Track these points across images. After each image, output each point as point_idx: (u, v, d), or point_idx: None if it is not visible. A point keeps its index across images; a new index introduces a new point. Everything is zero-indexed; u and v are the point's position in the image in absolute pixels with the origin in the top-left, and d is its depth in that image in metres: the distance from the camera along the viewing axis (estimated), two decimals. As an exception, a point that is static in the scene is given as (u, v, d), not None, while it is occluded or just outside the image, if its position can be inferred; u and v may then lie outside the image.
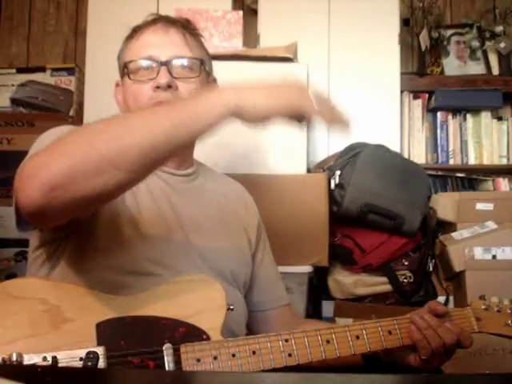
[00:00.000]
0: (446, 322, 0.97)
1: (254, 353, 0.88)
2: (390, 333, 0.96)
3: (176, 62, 1.03)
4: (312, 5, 2.54)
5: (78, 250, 0.94)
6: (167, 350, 0.85)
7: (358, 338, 0.94)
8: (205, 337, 0.88)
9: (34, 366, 0.76)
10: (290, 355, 0.90)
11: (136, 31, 1.08)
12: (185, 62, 1.04)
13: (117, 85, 1.13)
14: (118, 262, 0.93)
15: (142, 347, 0.84)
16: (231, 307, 0.92)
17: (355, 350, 0.94)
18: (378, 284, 1.94)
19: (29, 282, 0.89)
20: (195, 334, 0.88)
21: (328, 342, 0.93)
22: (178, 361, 0.85)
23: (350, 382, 0.70)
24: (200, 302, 0.92)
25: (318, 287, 2.00)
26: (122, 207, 0.98)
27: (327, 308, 1.98)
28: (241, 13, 2.07)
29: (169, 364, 0.84)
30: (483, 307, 1.04)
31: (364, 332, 0.95)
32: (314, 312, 1.96)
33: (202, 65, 1.07)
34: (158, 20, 1.08)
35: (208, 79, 1.13)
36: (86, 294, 0.89)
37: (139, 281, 0.93)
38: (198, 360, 0.85)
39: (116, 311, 0.87)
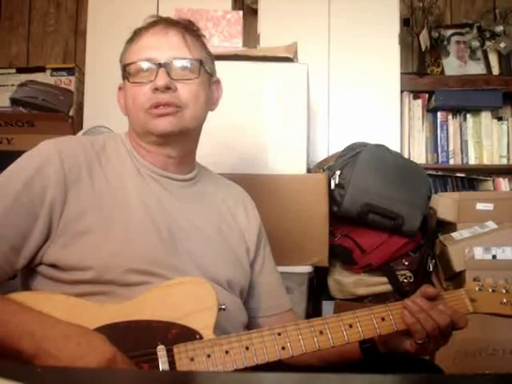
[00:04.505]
0: (439, 304, 0.97)
1: (247, 348, 0.89)
2: (383, 319, 0.96)
3: (175, 64, 1.03)
4: (312, 5, 2.54)
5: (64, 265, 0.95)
6: (160, 351, 0.85)
7: (351, 326, 0.94)
8: (197, 336, 0.89)
9: (33, 366, 0.76)
10: (283, 348, 0.90)
11: (136, 34, 1.08)
12: (184, 63, 1.04)
13: (119, 88, 1.12)
14: (106, 276, 0.93)
15: (135, 351, 0.84)
16: (223, 307, 0.93)
17: (349, 338, 0.94)
18: (378, 284, 1.94)
19: (21, 296, 0.89)
20: (188, 335, 0.88)
21: (321, 332, 0.93)
22: (171, 361, 0.85)
23: (350, 382, 0.70)
24: (191, 302, 0.92)
25: (317, 287, 2.00)
26: (110, 214, 0.97)
27: (327, 308, 1.99)
28: (241, 13, 2.08)
29: (163, 365, 0.84)
30: (477, 288, 1.03)
31: (357, 320, 0.95)
32: (313, 312, 1.96)
33: (202, 66, 1.06)
34: (158, 22, 1.07)
35: (210, 80, 1.12)
36: (78, 304, 0.90)
37: (130, 291, 0.93)
38: (192, 359, 0.86)
39: (108, 318, 0.88)
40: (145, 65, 1.03)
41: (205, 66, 1.08)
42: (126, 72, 1.05)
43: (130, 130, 1.11)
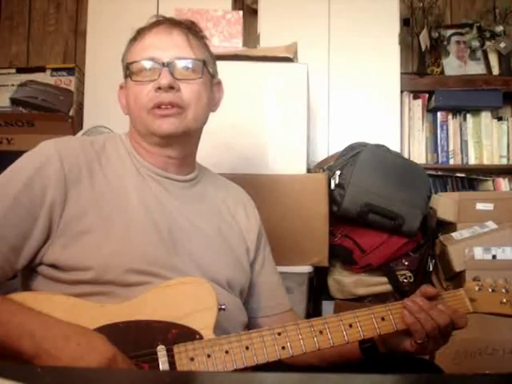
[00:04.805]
0: (439, 304, 0.98)
1: (247, 348, 0.89)
2: (383, 319, 0.96)
3: (178, 64, 1.03)
4: (312, 5, 2.54)
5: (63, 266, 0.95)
6: (161, 351, 0.85)
7: (351, 326, 0.94)
8: (198, 336, 0.89)
9: (33, 366, 0.76)
10: (283, 348, 0.91)
11: (139, 33, 1.08)
12: (187, 63, 1.04)
13: (120, 87, 1.12)
14: (106, 276, 0.93)
15: (135, 351, 0.84)
16: (223, 307, 0.93)
17: (349, 338, 0.94)
18: (378, 284, 1.94)
19: (21, 296, 0.89)
20: (188, 335, 0.88)
21: (321, 332, 0.93)
22: (172, 361, 0.85)
23: (350, 382, 0.70)
24: (191, 302, 0.92)
25: (317, 287, 2.00)
26: (110, 214, 0.97)
27: (327, 308, 1.99)
28: (241, 13, 2.07)
29: (163, 365, 0.84)
30: (477, 288, 1.03)
31: (357, 320, 0.95)
32: (314, 312, 1.96)
33: (205, 66, 1.06)
34: (162, 22, 1.07)
35: (212, 81, 1.12)
36: (78, 304, 0.90)
37: (130, 291, 0.93)
38: (192, 359, 0.86)
39: (108, 318, 0.88)
40: (148, 64, 1.03)
41: (207, 67, 1.08)
42: (129, 71, 1.05)
43: (130, 129, 1.10)
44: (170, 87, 1.01)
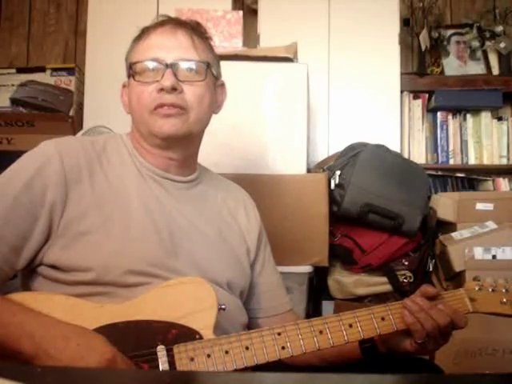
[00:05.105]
0: (439, 303, 0.98)
1: (247, 348, 0.89)
2: (382, 319, 0.96)
3: (182, 65, 1.03)
4: (312, 5, 2.54)
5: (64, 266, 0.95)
6: (160, 351, 0.85)
7: (351, 326, 0.94)
8: (197, 336, 0.89)
9: (33, 366, 0.76)
10: (283, 348, 0.91)
11: (144, 32, 1.07)
12: (191, 64, 1.03)
13: (123, 86, 1.11)
14: (106, 277, 0.93)
15: (135, 351, 0.84)
16: (223, 307, 0.93)
17: (349, 338, 0.94)
18: (378, 284, 1.94)
19: (21, 296, 0.89)
20: (188, 335, 0.88)
21: (321, 332, 0.93)
22: (171, 361, 0.85)
23: (350, 382, 0.70)
24: (191, 302, 0.92)
25: (317, 287, 2.00)
26: (111, 215, 0.97)
27: (327, 308, 1.99)
28: (241, 13, 2.08)
29: (163, 365, 0.84)
30: (477, 288, 1.03)
31: (357, 320, 0.95)
32: (314, 312, 1.96)
33: (209, 68, 1.06)
34: (167, 22, 1.07)
35: (216, 83, 1.12)
36: (77, 304, 0.90)
37: (130, 291, 0.93)
38: (192, 359, 0.86)
39: (108, 318, 0.88)
40: (151, 64, 1.02)
41: (211, 69, 1.07)
42: (132, 70, 1.04)
43: (132, 129, 1.10)
44: (173, 89, 1.00)
